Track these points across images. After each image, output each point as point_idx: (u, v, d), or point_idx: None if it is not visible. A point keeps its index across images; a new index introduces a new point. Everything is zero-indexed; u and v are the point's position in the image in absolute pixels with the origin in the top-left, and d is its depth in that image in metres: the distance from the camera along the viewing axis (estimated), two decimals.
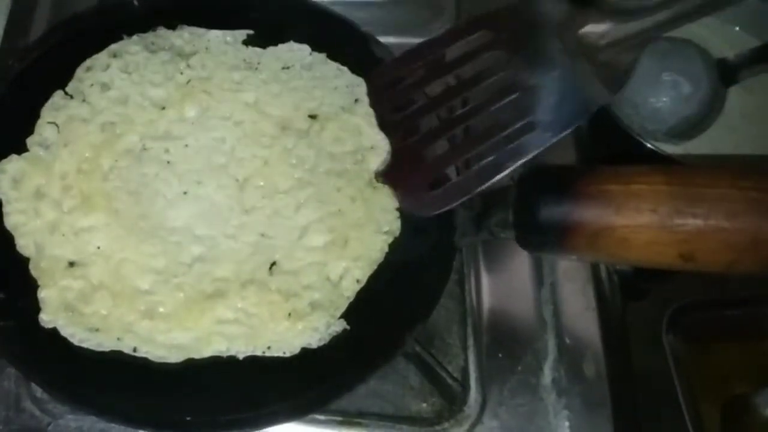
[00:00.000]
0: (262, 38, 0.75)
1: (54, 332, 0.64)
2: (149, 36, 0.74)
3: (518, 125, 0.62)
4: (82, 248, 0.65)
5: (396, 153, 0.67)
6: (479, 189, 0.62)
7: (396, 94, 0.68)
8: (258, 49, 0.74)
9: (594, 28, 0.62)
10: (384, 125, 0.68)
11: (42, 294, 0.64)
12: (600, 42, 0.62)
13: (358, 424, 0.68)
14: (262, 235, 0.67)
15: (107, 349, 0.63)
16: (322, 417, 0.67)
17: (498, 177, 0.61)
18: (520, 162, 0.61)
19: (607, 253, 0.51)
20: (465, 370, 0.70)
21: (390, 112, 0.68)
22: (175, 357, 0.63)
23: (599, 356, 0.70)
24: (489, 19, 0.67)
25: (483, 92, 0.65)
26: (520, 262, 0.75)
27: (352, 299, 0.66)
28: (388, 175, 0.67)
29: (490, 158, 0.62)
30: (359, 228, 0.68)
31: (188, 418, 0.63)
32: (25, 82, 0.69)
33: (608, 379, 0.69)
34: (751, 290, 0.79)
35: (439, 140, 0.65)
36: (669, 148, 0.83)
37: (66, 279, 0.64)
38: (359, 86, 0.72)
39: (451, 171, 0.64)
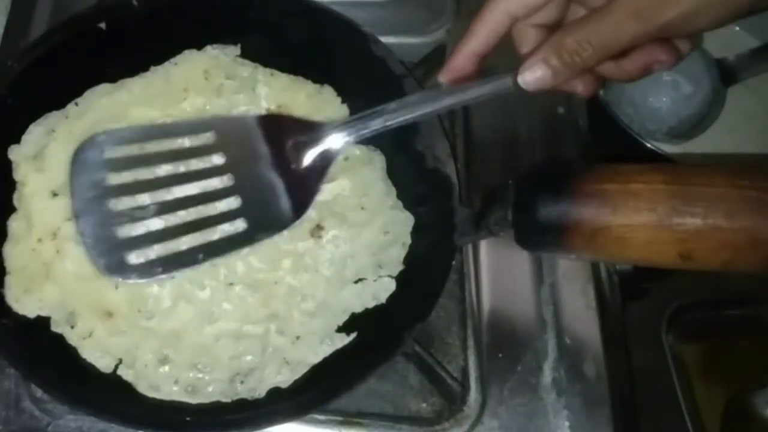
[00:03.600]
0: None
1: (54, 334, 0.65)
2: None
3: (226, 223, 0.66)
4: None
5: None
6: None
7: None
8: None
9: (296, 140, 0.68)
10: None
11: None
12: (301, 155, 0.67)
13: (358, 424, 0.68)
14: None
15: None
16: (321, 417, 0.67)
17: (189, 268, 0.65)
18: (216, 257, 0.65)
19: (606, 252, 0.51)
20: (465, 370, 0.70)
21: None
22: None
23: (599, 356, 0.70)
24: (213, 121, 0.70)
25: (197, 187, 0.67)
26: (520, 262, 0.75)
27: None
28: None
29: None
30: None
31: (188, 419, 0.63)
32: (25, 82, 0.69)
33: (608, 379, 0.69)
34: (751, 290, 0.79)
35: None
36: (669, 148, 0.83)
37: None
38: None
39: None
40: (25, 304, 0.65)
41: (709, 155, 0.85)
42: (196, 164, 0.68)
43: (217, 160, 0.68)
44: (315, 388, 0.64)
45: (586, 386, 0.69)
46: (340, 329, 0.67)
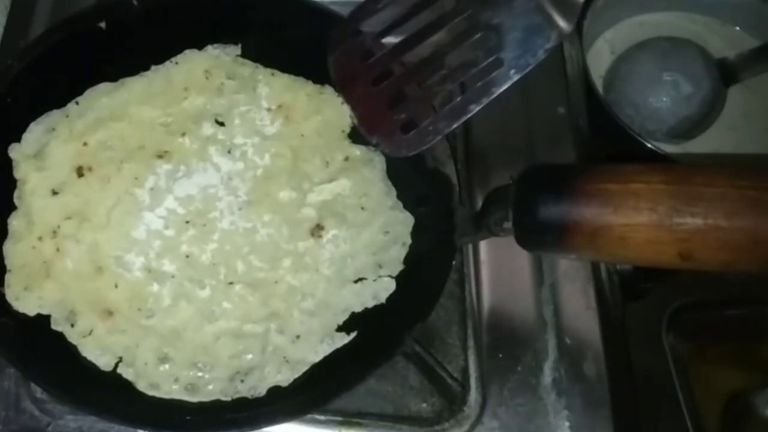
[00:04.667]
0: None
1: (54, 332, 0.65)
2: None
3: (485, 63, 0.65)
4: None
5: (366, 101, 0.69)
6: (450, 129, 0.65)
7: (359, 44, 0.69)
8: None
9: None
10: (349, 76, 0.70)
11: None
12: None
13: (358, 424, 0.68)
14: None
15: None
16: (321, 417, 0.67)
17: (467, 116, 0.65)
18: (488, 99, 0.64)
19: (606, 251, 0.51)
20: (465, 370, 0.70)
21: (355, 62, 0.69)
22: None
23: (599, 356, 0.70)
24: None
25: (446, 35, 0.66)
26: (520, 262, 0.74)
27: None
28: (363, 122, 0.69)
29: (459, 99, 0.65)
30: None
31: (188, 418, 0.63)
32: (25, 80, 0.69)
33: (608, 379, 0.69)
34: (751, 290, 0.79)
35: (407, 85, 0.67)
36: (669, 148, 0.83)
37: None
38: None
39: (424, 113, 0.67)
40: (25, 302, 0.65)
41: (709, 155, 0.85)
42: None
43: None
44: (315, 388, 0.65)
45: (587, 386, 0.69)
46: (340, 328, 0.67)
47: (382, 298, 0.68)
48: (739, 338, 0.80)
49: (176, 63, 0.75)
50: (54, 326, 0.65)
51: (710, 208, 0.47)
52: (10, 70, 0.69)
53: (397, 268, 0.69)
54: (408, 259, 0.69)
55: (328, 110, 0.74)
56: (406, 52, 0.68)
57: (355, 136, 0.74)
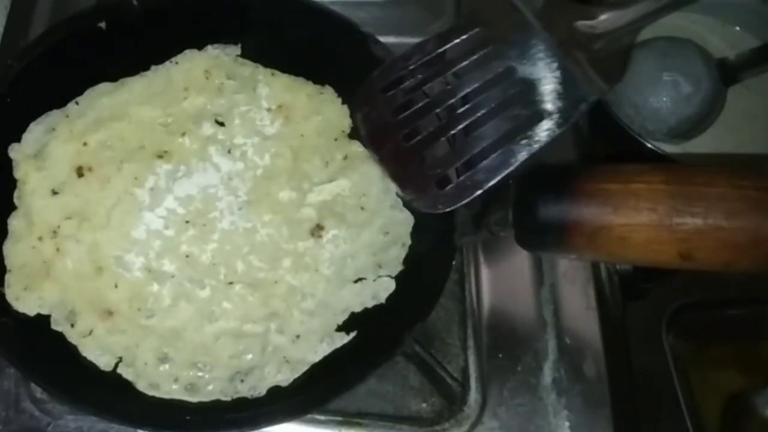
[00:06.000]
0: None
1: (54, 332, 0.65)
2: None
3: (525, 117, 0.62)
4: None
5: (398, 156, 0.66)
6: (490, 183, 0.61)
7: (388, 100, 0.67)
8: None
9: (587, 21, 0.63)
10: (379, 132, 0.67)
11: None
12: (594, 32, 0.63)
13: (358, 424, 0.68)
14: None
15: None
16: (321, 417, 0.67)
17: (509, 169, 0.61)
18: (528, 153, 0.61)
19: (606, 251, 0.51)
20: (465, 370, 0.70)
21: (384, 117, 0.66)
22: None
23: (599, 356, 0.70)
24: (481, 16, 0.67)
25: (483, 89, 0.64)
26: (520, 262, 0.75)
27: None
28: (396, 178, 0.66)
29: (499, 152, 0.61)
30: None
31: (188, 418, 0.63)
32: (25, 80, 0.69)
33: (608, 379, 0.69)
34: (751, 290, 0.79)
35: (444, 138, 0.64)
36: (669, 148, 0.83)
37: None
38: None
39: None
40: (25, 302, 0.65)
41: (709, 155, 0.84)
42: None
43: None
44: (315, 388, 0.65)
45: (587, 386, 0.69)
46: (339, 328, 0.67)
47: (382, 298, 0.68)
48: (739, 338, 0.81)
49: (176, 63, 0.75)
50: (54, 326, 0.65)
51: (710, 208, 0.47)
52: (10, 70, 0.69)
53: (397, 268, 0.69)
54: (408, 259, 0.69)
55: (328, 110, 0.74)
56: (439, 107, 0.65)
57: (355, 134, 0.74)
